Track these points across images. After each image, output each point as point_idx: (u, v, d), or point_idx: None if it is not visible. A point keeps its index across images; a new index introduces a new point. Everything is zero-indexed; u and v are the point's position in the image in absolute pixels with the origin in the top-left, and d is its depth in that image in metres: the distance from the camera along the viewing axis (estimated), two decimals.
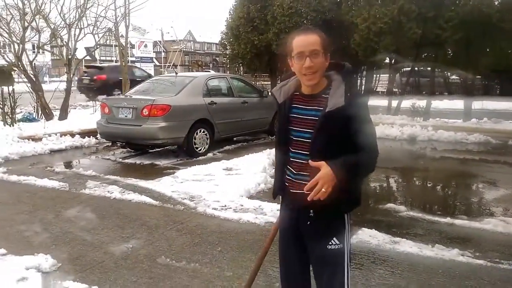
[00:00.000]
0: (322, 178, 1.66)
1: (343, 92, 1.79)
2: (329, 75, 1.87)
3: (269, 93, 11.11)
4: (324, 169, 1.68)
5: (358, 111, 1.79)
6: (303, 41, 1.82)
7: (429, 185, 6.37)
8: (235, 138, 9.28)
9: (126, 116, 7.40)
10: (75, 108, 15.03)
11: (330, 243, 1.88)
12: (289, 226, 2.00)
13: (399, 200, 5.21)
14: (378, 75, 16.28)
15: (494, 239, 3.89)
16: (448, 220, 4.31)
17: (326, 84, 1.86)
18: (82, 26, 11.90)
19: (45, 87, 12.46)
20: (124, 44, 14.25)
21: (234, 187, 5.34)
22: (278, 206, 4.36)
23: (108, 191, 5.34)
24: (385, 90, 15.21)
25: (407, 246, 3.63)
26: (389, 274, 3.19)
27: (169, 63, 42.34)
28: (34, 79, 11.31)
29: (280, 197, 2.05)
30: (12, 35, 11.30)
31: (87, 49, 25.71)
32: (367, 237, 3.81)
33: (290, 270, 2.05)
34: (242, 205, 4.80)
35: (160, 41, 52.75)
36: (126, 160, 7.52)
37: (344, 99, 1.77)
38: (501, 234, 3.98)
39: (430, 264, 3.33)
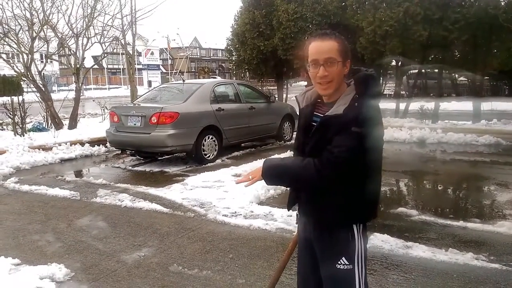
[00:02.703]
0: (253, 171, 1.87)
1: (348, 101, 1.68)
2: (349, 82, 1.76)
3: (276, 98, 11.15)
4: (258, 165, 1.84)
5: (351, 124, 1.62)
6: (318, 47, 1.70)
7: (440, 188, 6.32)
8: (243, 144, 9.29)
9: (135, 124, 7.45)
10: (84, 117, 15.16)
11: (339, 262, 1.76)
12: (304, 237, 1.97)
13: (410, 204, 5.17)
14: (385, 78, 16.23)
15: (509, 242, 3.84)
16: (461, 223, 4.27)
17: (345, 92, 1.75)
18: (89, 35, 12.05)
19: (53, 96, 12.62)
20: (131, 52, 14.38)
21: (244, 194, 5.32)
22: (288, 212, 4.36)
23: (119, 199, 5.38)
24: (392, 93, 15.15)
25: (420, 251, 3.60)
26: (403, 279, 3.16)
27: (175, 70, 42.57)
28: (43, 88, 11.45)
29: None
30: (21, 46, 11.45)
31: (95, 57, 25.94)
32: (379, 242, 3.78)
33: (305, 281, 2.02)
34: (252, 212, 4.80)
35: (166, 49, 53.07)
36: (136, 168, 7.56)
37: (344, 108, 1.67)
38: None
39: (444, 269, 3.30)
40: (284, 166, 1.80)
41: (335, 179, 1.68)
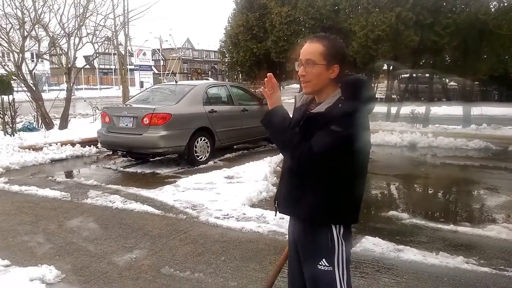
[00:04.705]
0: (273, 94, 1.86)
1: (332, 102, 1.73)
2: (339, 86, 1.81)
3: None
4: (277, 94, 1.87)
5: (330, 123, 1.67)
6: (304, 48, 1.81)
7: (430, 192, 6.38)
8: (235, 146, 9.28)
9: (126, 125, 7.40)
10: (75, 117, 15.05)
11: (320, 263, 1.79)
12: (292, 239, 1.99)
13: (401, 207, 5.21)
14: (376, 82, 16.34)
15: (498, 246, 3.89)
16: (451, 227, 4.32)
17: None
18: (81, 35, 11.97)
19: (44, 96, 12.48)
20: (123, 52, 14.32)
21: (236, 196, 5.33)
22: (281, 215, 4.37)
23: (110, 201, 5.33)
24: (383, 97, 15.26)
25: (411, 254, 3.63)
26: (394, 283, 3.18)
27: (168, 71, 42.48)
28: (34, 88, 11.34)
29: None
30: (12, 44, 11.33)
31: (86, 57, 25.78)
32: (370, 245, 3.80)
33: (293, 282, 2.04)
34: (244, 214, 4.79)
35: (158, 49, 52.94)
36: (127, 169, 7.51)
37: (327, 107, 1.73)
38: (505, 241, 3.98)
39: (435, 272, 3.33)
40: (283, 126, 1.81)
41: (309, 171, 1.73)
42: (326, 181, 1.73)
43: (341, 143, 1.66)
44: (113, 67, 51.47)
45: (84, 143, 9.27)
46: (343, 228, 1.80)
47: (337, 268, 1.78)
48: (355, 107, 1.69)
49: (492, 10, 10.99)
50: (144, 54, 36.99)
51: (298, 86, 17.85)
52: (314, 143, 1.68)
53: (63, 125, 11.32)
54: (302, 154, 1.70)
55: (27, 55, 12.61)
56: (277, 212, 2.01)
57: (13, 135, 9.60)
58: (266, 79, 1.86)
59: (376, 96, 16.34)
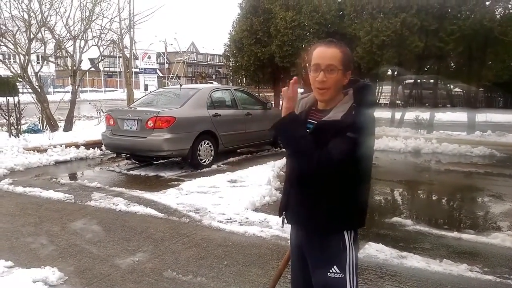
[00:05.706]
0: (289, 102, 1.78)
1: (346, 109, 1.73)
2: (347, 92, 1.80)
3: (272, 105, 11.16)
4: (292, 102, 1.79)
5: (347, 130, 1.66)
6: (322, 53, 1.75)
7: (434, 198, 6.34)
8: (239, 150, 9.29)
9: (131, 128, 7.43)
10: (79, 119, 15.10)
11: (330, 270, 1.77)
12: (295, 245, 1.98)
13: (405, 213, 5.19)
14: (380, 88, 16.32)
15: (503, 254, 3.86)
16: (455, 234, 4.29)
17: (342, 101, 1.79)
18: (87, 38, 12.03)
19: (49, 98, 12.54)
20: (128, 55, 14.38)
21: (239, 200, 5.33)
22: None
23: (114, 203, 5.34)
24: (388, 102, 15.23)
25: (414, 261, 3.61)
26: None
27: (172, 74, 42.62)
28: (39, 90, 11.40)
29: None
30: (18, 47, 11.41)
31: (92, 60, 25.92)
32: (374, 251, 3.78)
33: (298, 286, 2.03)
34: (247, 218, 4.79)
35: (163, 53, 53.15)
36: (131, 172, 7.53)
37: (342, 115, 1.71)
38: (510, 249, 3.95)
39: (439, 280, 3.30)
40: (300, 133, 1.76)
41: (327, 178, 1.71)
42: (339, 188, 1.73)
43: (357, 149, 1.66)
44: (118, 69, 51.61)
45: (89, 145, 9.31)
46: (353, 233, 1.81)
47: (348, 274, 1.78)
48: (369, 113, 1.71)
49: (498, 16, 10.97)
50: (149, 57, 37.19)
51: (301, 90, 17.82)
52: (333, 151, 1.66)
53: (68, 127, 11.36)
54: (320, 162, 1.66)
55: (33, 57, 12.66)
56: (284, 223, 1.99)
57: (18, 137, 9.65)
58: (291, 81, 1.77)
59: (380, 101, 16.34)
